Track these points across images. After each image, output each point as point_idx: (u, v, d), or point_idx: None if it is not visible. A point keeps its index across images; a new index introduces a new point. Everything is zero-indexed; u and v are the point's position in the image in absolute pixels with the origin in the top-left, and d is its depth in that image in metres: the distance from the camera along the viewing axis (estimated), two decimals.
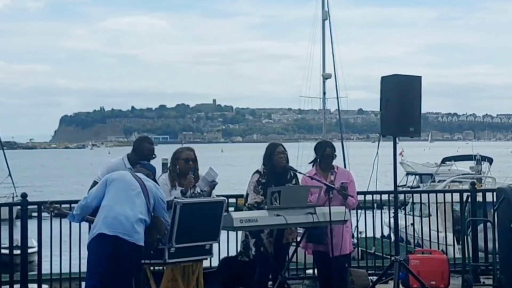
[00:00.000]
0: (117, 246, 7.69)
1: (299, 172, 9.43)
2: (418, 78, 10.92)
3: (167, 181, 8.76)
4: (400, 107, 10.62)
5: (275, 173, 9.21)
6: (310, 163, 9.77)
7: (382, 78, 10.90)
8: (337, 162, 10.00)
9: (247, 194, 9.23)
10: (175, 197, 8.33)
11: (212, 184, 8.83)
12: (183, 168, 8.79)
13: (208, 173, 8.85)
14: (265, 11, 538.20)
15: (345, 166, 26.20)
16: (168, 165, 9.06)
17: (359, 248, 17.56)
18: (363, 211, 12.28)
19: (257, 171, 9.27)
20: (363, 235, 14.17)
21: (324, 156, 9.55)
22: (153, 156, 8.75)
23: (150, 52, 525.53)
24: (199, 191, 8.67)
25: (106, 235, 7.70)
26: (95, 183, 8.25)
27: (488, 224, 11.80)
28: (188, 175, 8.72)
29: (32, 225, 10.32)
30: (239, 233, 9.49)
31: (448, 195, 13.09)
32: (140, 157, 8.60)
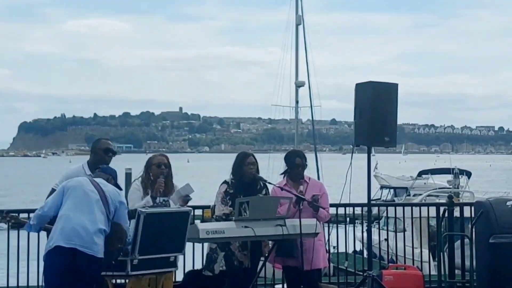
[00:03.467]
0: (75, 259, 7.62)
1: (269, 183, 9.38)
2: (395, 86, 10.91)
3: (140, 187, 8.78)
4: (375, 115, 10.60)
5: (244, 184, 9.17)
6: (281, 174, 9.71)
7: (357, 85, 10.89)
8: (311, 174, 9.98)
9: (214, 206, 9.19)
10: (138, 208, 8.27)
11: (186, 199, 8.81)
12: (156, 173, 8.82)
13: (184, 188, 8.83)
14: (233, 15, 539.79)
15: (318, 178, 26.22)
16: (142, 173, 9.03)
17: (331, 264, 17.61)
18: (335, 225, 12.28)
19: (225, 181, 9.23)
20: (336, 251, 14.13)
21: (294, 166, 9.50)
22: (111, 154, 8.71)
23: (113, 57, 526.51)
24: (167, 199, 8.66)
25: (63, 247, 7.61)
26: (53, 190, 8.17)
27: (466, 239, 11.84)
28: (159, 179, 8.72)
29: None
30: (205, 245, 9.45)
31: (424, 209, 13.09)
32: (98, 158, 8.58)
